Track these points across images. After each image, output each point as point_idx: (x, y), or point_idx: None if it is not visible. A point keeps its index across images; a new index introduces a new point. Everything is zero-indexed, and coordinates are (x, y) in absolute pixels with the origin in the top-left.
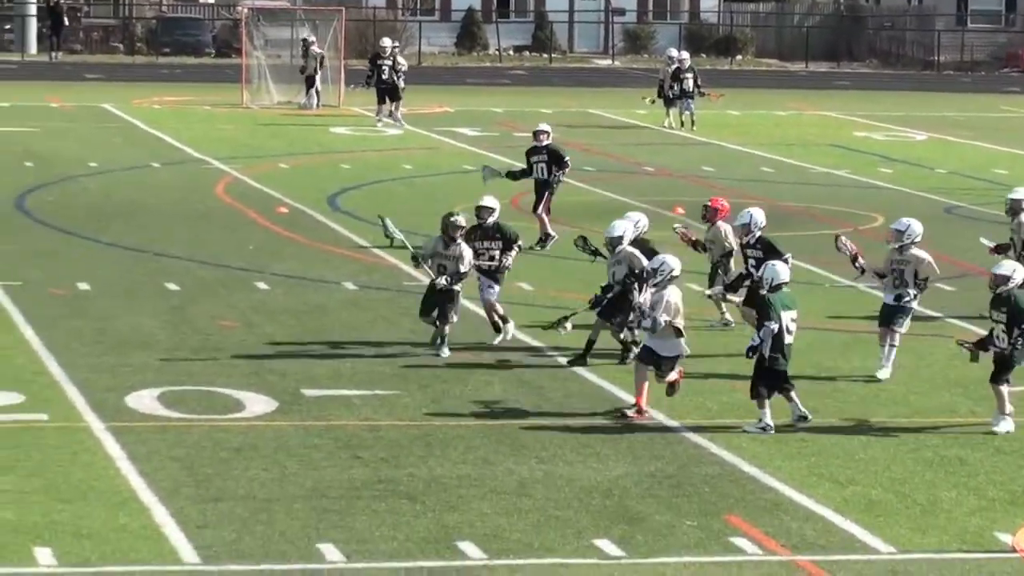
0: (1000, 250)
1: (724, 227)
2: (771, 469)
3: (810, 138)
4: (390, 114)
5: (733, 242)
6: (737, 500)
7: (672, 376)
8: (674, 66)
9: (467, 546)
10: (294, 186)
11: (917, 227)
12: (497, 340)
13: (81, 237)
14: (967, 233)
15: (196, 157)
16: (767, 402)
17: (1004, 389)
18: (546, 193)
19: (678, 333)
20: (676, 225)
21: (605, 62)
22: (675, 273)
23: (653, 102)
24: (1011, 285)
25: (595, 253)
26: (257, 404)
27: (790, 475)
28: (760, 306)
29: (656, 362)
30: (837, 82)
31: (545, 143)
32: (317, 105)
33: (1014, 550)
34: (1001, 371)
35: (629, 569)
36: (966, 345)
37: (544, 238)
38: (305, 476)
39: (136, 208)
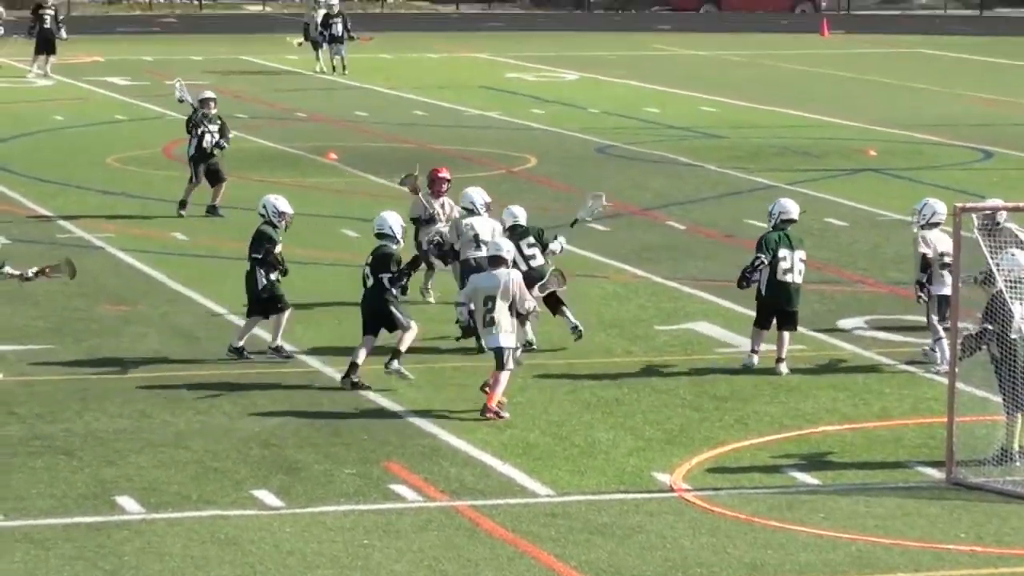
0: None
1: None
2: (429, 415)
3: (462, 80)
4: (46, 65)
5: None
6: (396, 447)
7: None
8: (323, 11)
9: (125, 500)
10: None
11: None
12: None
13: None
14: (621, 173)
15: None
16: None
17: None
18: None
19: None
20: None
21: (256, 7)
22: None
23: (300, 44)
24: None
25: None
26: None
27: (448, 420)
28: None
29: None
30: (489, 23)
31: (215, 110)
32: None
33: (672, 489)
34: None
35: (289, 519)
36: None
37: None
38: None
39: None
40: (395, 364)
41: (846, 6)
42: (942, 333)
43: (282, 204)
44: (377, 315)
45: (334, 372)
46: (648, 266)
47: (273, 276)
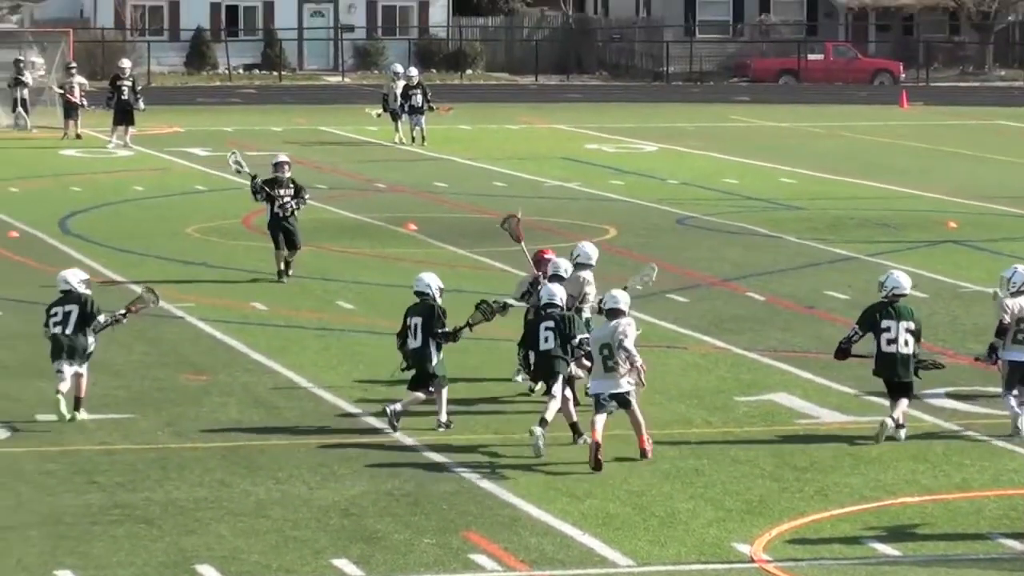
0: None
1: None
2: (509, 484)
3: (541, 151)
4: (125, 136)
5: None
6: (475, 516)
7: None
8: (402, 82)
9: (206, 569)
10: (24, 210)
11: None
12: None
13: None
14: (700, 244)
15: None
16: None
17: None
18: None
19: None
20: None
21: (335, 79)
22: None
23: (379, 115)
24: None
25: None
26: None
27: (528, 490)
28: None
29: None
30: (567, 95)
31: (288, 174)
32: (28, 126)
33: (752, 560)
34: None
35: None
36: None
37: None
38: (40, 502)
39: None
40: (539, 429)
41: (925, 78)
42: (1011, 399)
43: (440, 280)
44: (551, 376)
45: (414, 441)
46: (727, 337)
47: (442, 354)
